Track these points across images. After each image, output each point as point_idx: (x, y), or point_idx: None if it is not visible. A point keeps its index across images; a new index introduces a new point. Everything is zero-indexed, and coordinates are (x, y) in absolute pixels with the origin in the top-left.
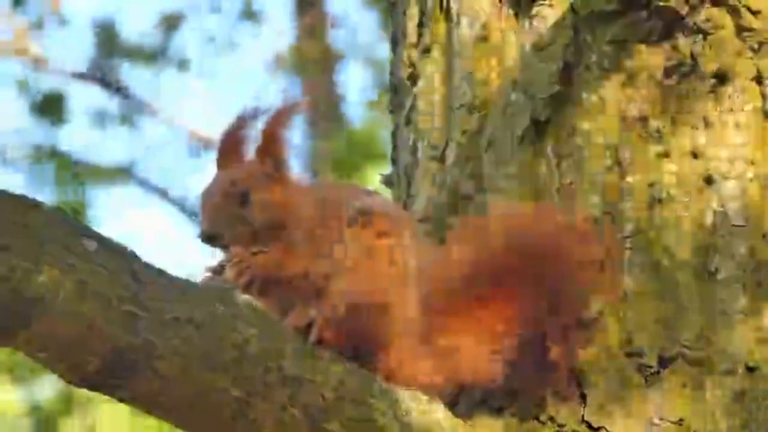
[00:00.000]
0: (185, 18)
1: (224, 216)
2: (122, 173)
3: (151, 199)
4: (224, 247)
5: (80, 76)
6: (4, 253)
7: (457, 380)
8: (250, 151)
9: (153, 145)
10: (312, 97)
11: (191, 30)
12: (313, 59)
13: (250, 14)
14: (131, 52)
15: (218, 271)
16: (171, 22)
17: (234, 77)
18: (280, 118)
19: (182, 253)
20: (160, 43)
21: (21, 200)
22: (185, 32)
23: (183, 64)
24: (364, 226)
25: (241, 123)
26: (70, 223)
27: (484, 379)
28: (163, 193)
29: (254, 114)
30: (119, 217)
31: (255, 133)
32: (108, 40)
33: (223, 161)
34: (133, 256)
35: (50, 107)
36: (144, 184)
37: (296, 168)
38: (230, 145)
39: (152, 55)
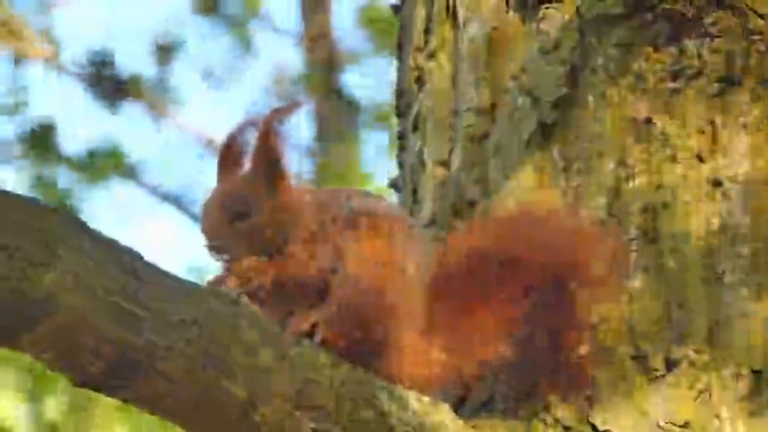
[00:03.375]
0: (179, 48)
1: (221, 231)
2: (128, 175)
3: (158, 204)
4: (227, 260)
5: (77, 76)
6: (9, 253)
7: (462, 378)
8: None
9: (159, 148)
10: (317, 109)
11: (185, 58)
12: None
13: (246, 44)
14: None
15: (219, 283)
16: (165, 53)
17: (231, 107)
18: (275, 121)
19: (192, 257)
20: (154, 75)
21: (24, 199)
22: (180, 63)
23: (177, 98)
24: (363, 227)
25: (239, 132)
26: (73, 223)
27: (488, 375)
28: (170, 198)
29: (251, 122)
30: (126, 220)
31: (253, 143)
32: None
33: (223, 173)
34: (135, 256)
35: (40, 141)
36: (152, 188)
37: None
38: (229, 157)
39: (147, 87)
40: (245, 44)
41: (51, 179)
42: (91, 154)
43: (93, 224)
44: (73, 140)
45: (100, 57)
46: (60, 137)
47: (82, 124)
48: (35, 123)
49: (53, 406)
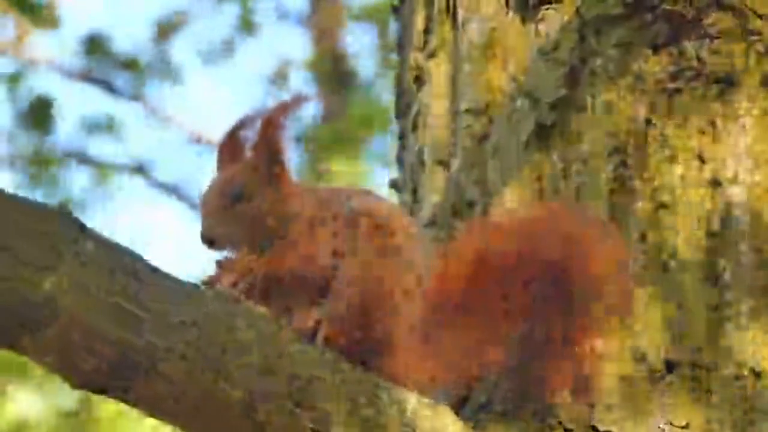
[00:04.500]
0: (181, 26)
1: (219, 219)
2: (135, 171)
3: (161, 198)
4: (223, 249)
5: (80, 77)
6: (11, 255)
7: (462, 379)
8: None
9: (159, 143)
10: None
11: (187, 38)
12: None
13: (247, 25)
14: (125, 63)
15: (212, 282)
16: (165, 31)
17: (231, 88)
18: (278, 113)
19: (195, 252)
20: (154, 54)
21: (26, 201)
22: (181, 40)
23: (177, 75)
24: (364, 227)
25: (240, 125)
26: (74, 225)
27: (490, 376)
28: (174, 191)
29: (254, 116)
30: (128, 216)
31: (255, 134)
32: (99, 51)
33: (222, 165)
34: (136, 257)
35: (38, 114)
36: (156, 182)
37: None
38: (230, 148)
39: (145, 67)
40: (249, 28)
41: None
42: (86, 126)
43: (95, 215)
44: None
45: (100, 42)
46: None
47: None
48: (33, 98)
49: (71, 399)
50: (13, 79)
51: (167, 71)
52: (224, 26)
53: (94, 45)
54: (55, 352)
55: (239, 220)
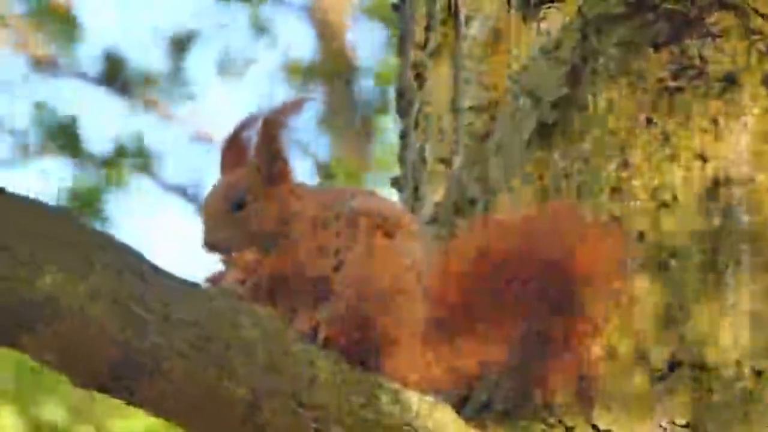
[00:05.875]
0: (194, 39)
1: (221, 223)
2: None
3: (169, 198)
4: (225, 254)
5: (85, 77)
6: (7, 254)
7: (463, 378)
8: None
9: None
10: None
11: (201, 50)
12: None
13: (260, 28)
14: (140, 79)
15: (216, 280)
16: (180, 45)
17: (244, 93)
18: (279, 113)
19: (202, 254)
20: (168, 68)
21: (28, 201)
22: (195, 53)
23: (190, 93)
24: (364, 227)
25: (243, 127)
26: (76, 223)
27: (491, 375)
28: (181, 191)
29: (256, 117)
30: (136, 216)
31: (257, 136)
32: (116, 68)
33: (226, 166)
34: (141, 258)
35: (64, 139)
36: (164, 182)
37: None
38: (233, 150)
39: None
40: (261, 29)
41: (77, 177)
42: (119, 153)
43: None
44: (94, 137)
45: (116, 55)
46: (81, 133)
47: (99, 121)
48: (57, 119)
49: (49, 409)
50: (41, 106)
51: (181, 86)
52: (237, 36)
53: (111, 62)
54: (55, 351)
55: (242, 225)
